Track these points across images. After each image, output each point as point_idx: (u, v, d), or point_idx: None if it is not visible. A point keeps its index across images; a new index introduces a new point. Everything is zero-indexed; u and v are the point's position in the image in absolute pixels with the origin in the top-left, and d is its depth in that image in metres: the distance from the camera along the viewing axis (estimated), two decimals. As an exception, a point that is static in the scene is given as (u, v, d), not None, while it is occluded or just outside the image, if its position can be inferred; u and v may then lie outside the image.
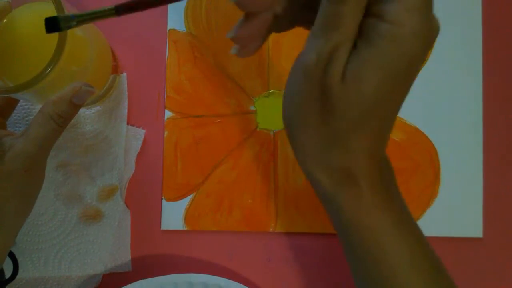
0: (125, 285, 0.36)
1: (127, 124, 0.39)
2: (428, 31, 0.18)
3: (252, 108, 0.39)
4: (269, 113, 0.39)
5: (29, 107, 0.38)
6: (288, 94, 0.22)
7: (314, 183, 0.23)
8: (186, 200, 0.39)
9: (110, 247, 0.38)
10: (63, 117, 0.29)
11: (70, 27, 0.22)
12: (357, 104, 0.19)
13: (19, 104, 0.38)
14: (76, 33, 0.29)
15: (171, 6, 0.40)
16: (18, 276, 0.37)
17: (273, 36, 0.39)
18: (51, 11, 0.27)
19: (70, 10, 0.28)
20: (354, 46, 0.19)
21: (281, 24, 0.22)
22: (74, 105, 0.29)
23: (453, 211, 0.38)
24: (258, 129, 0.39)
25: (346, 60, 0.19)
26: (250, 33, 0.21)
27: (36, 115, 0.29)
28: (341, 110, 0.19)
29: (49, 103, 0.29)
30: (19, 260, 0.37)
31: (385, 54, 0.18)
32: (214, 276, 0.36)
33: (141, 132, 0.39)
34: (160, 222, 0.39)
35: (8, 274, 0.35)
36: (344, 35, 0.18)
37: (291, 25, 0.22)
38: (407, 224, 0.24)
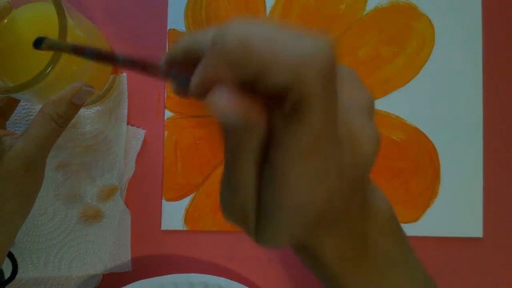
0: (125, 285, 0.36)
1: (127, 124, 0.39)
2: None
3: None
4: (269, 113, 0.39)
5: (29, 107, 0.38)
6: None
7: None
8: (186, 200, 0.39)
9: (110, 247, 0.38)
10: (63, 117, 0.29)
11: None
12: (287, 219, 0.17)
13: (19, 104, 0.38)
14: (76, 33, 0.29)
15: (171, 6, 0.40)
16: (18, 276, 0.37)
17: (273, 36, 0.39)
18: (51, 11, 0.27)
19: (70, 10, 0.28)
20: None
21: None
22: (74, 105, 0.29)
23: (453, 211, 0.38)
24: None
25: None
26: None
27: (36, 115, 0.29)
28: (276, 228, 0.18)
29: (49, 103, 0.29)
30: (19, 260, 0.37)
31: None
32: (214, 276, 0.36)
33: (141, 132, 0.39)
34: (160, 222, 0.39)
35: (7, 274, 0.35)
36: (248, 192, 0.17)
37: None
38: None
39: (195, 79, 0.15)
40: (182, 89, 0.16)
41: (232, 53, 0.13)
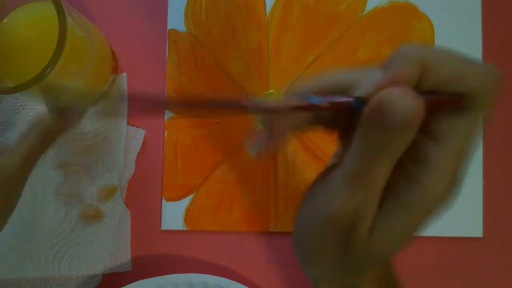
0: (125, 285, 0.36)
1: (127, 124, 0.39)
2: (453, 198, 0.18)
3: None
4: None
5: (29, 107, 0.38)
6: (305, 229, 0.21)
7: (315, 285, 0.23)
8: (186, 200, 0.39)
9: (110, 247, 0.38)
10: (49, 136, 0.28)
11: None
12: (379, 255, 0.19)
13: (19, 104, 0.38)
14: (76, 33, 0.29)
15: (171, 6, 0.40)
16: (17, 276, 0.37)
17: (273, 36, 0.39)
18: (51, 11, 0.27)
19: (70, 10, 0.28)
20: (383, 201, 0.18)
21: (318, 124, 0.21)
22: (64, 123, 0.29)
23: (453, 211, 0.38)
24: (258, 129, 0.39)
25: (374, 215, 0.18)
26: (274, 145, 0.20)
27: (25, 128, 0.28)
28: (362, 258, 0.19)
29: (39, 118, 0.28)
30: (19, 260, 0.37)
31: (412, 215, 0.18)
32: (214, 276, 0.36)
33: (141, 132, 0.39)
34: (160, 222, 0.39)
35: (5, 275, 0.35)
36: (373, 194, 0.18)
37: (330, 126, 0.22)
38: None
39: (369, 82, 0.16)
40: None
41: (434, 69, 0.17)
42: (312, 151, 0.39)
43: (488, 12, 0.39)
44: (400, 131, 0.16)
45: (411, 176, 0.17)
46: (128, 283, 0.36)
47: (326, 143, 0.39)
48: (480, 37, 0.39)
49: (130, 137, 0.39)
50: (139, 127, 0.39)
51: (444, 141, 0.17)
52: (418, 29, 0.39)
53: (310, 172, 0.38)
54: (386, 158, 0.17)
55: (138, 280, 0.36)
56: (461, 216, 0.38)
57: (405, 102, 0.15)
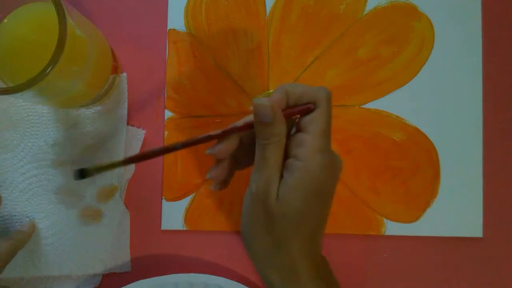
0: (125, 285, 0.36)
1: (127, 124, 0.39)
2: (331, 165, 0.27)
3: (252, 108, 0.39)
4: (269, 113, 0.39)
5: (29, 107, 0.38)
6: (243, 213, 0.29)
7: (266, 280, 0.29)
8: (186, 200, 0.39)
9: (110, 247, 0.38)
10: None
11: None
12: (289, 217, 0.27)
13: (19, 104, 0.38)
14: (76, 33, 0.29)
15: (171, 6, 0.40)
16: (18, 276, 0.37)
17: (273, 37, 0.39)
18: (51, 12, 0.27)
19: (70, 10, 0.28)
20: (282, 176, 0.27)
21: (240, 165, 0.31)
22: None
23: (453, 211, 0.38)
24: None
25: (277, 186, 0.27)
26: (221, 173, 0.30)
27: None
28: (279, 222, 0.27)
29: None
30: (19, 260, 0.37)
31: (301, 181, 0.26)
32: (214, 276, 0.36)
33: (141, 133, 0.39)
34: (160, 222, 0.39)
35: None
36: (272, 171, 0.27)
37: (246, 165, 0.31)
38: None
39: (268, 101, 0.27)
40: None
41: (291, 91, 0.28)
42: (312, 151, 0.39)
43: (488, 12, 0.39)
44: (268, 123, 0.27)
45: (296, 155, 0.27)
46: (128, 283, 0.36)
47: (326, 143, 0.39)
48: (480, 37, 0.39)
49: (130, 137, 0.39)
50: (139, 127, 0.39)
51: (308, 129, 0.27)
52: (418, 29, 0.39)
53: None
54: (271, 144, 0.27)
55: (138, 280, 0.36)
56: (461, 216, 0.38)
57: (264, 106, 0.27)
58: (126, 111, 0.39)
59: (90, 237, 0.38)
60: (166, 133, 0.39)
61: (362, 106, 0.39)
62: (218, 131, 0.28)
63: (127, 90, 0.39)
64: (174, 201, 0.39)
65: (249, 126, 0.28)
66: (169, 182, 0.39)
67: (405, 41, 0.39)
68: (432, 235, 0.38)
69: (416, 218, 0.38)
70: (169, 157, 0.39)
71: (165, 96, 0.40)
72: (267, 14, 0.40)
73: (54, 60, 0.27)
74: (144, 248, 0.39)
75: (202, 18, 0.40)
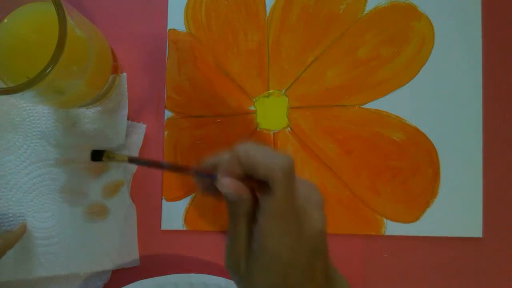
0: (134, 281, 0.36)
1: (128, 119, 0.39)
2: (293, 242, 0.24)
3: (252, 108, 0.39)
4: (269, 113, 0.39)
5: (30, 108, 0.38)
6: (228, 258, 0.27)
7: None
8: (186, 200, 0.39)
9: (117, 244, 0.38)
10: None
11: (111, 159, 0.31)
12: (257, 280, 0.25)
13: (20, 106, 0.38)
14: (76, 33, 0.29)
15: (171, 6, 0.40)
16: (26, 278, 0.37)
17: (273, 37, 0.39)
18: (51, 11, 0.27)
19: (70, 10, 0.28)
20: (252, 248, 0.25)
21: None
22: None
23: (453, 211, 0.38)
24: (258, 129, 0.39)
25: (246, 259, 0.25)
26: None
27: None
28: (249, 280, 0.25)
29: None
30: (27, 260, 0.37)
31: (264, 264, 0.24)
32: (214, 276, 0.36)
33: (142, 127, 0.39)
34: (160, 222, 0.39)
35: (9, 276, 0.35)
36: (239, 242, 0.25)
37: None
38: None
39: (221, 174, 0.25)
40: (205, 184, 0.28)
41: (241, 160, 0.24)
42: (312, 151, 0.39)
43: (488, 12, 0.39)
44: (229, 203, 0.25)
45: (255, 236, 0.25)
46: (137, 279, 0.36)
47: (326, 143, 0.39)
48: (480, 37, 0.39)
49: (131, 132, 0.39)
50: (140, 122, 0.39)
51: (262, 209, 0.24)
52: (418, 29, 0.39)
53: (310, 172, 0.38)
54: (236, 221, 0.25)
55: (138, 279, 0.36)
56: (461, 216, 0.38)
57: (222, 184, 0.24)
58: (126, 111, 0.39)
59: (97, 234, 0.38)
60: (166, 133, 0.39)
61: (362, 106, 0.39)
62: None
63: (127, 90, 0.39)
64: (174, 201, 0.39)
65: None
66: (169, 182, 0.39)
67: (405, 41, 0.39)
68: (432, 235, 0.38)
69: (416, 218, 0.38)
70: (169, 157, 0.39)
71: (165, 96, 0.40)
72: (267, 14, 0.40)
73: (54, 60, 0.27)
74: (144, 248, 0.39)
75: (202, 18, 0.40)
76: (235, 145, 0.25)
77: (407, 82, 0.39)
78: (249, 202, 0.25)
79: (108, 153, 0.31)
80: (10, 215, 0.38)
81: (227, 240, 0.26)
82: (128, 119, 0.39)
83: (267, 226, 0.24)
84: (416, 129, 0.38)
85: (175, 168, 0.30)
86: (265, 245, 0.24)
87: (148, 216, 0.39)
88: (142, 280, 0.36)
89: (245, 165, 0.24)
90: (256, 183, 0.24)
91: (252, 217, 0.25)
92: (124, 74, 0.39)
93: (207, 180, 0.27)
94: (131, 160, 0.30)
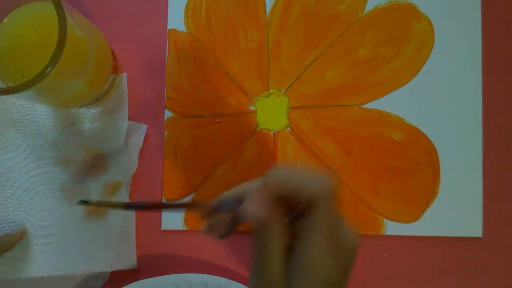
0: (133, 281, 0.36)
1: (128, 119, 0.39)
2: (338, 266, 0.23)
3: (252, 108, 0.39)
4: (269, 113, 0.39)
5: (29, 107, 0.38)
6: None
7: None
8: (186, 200, 0.39)
9: (116, 245, 0.38)
10: None
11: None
12: None
13: (19, 104, 0.38)
14: (76, 33, 0.29)
15: (171, 6, 0.40)
16: (25, 276, 0.37)
17: (273, 37, 0.39)
18: (51, 12, 0.27)
19: (70, 10, 0.28)
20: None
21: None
22: None
23: (453, 211, 0.38)
24: (258, 129, 0.39)
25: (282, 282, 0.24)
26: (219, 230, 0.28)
27: None
28: None
29: None
30: (25, 260, 0.37)
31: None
32: (214, 276, 0.36)
33: (143, 127, 0.39)
34: (160, 222, 0.39)
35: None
36: (271, 272, 0.23)
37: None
38: None
39: (251, 200, 0.24)
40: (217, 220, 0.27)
41: (276, 186, 0.23)
42: (312, 151, 0.39)
43: (488, 12, 0.39)
44: (258, 230, 0.23)
45: (296, 263, 0.23)
46: (136, 280, 0.36)
47: (326, 143, 0.39)
48: (480, 37, 0.39)
49: (132, 132, 0.39)
50: (141, 123, 0.39)
51: (304, 237, 0.23)
52: (418, 29, 0.39)
53: (310, 172, 0.38)
54: (266, 248, 0.23)
55: (138, 280, 0.36)
56: (461, 216, 0.38)
57: (252, 211, 0.23)
58: (126, 111, 0.39)
59: (95, 234, 0.38)
60: (166, 133, 0.39)
61: (362, 106, 0.39)
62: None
63: (127, 90, 0.39)
64: (174, 201, 0.39)
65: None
66: (169, 182, 0.39)
67: (405, 41, 0.39)
68: (432, 235, 0.38)
69: (416, 218, 0.38)
70: (169, 157, 0.39)
71: (165, 96, 0.40)
72: (267, 14, 0.40)
73: (54, 60, 0.27)
74: (144, 248, 0.39)
75: (202, 18, 0.40)
76: (266, 174, 0.24)
77: (407, 82, 0.39)
78: (282, 226, 0.23)
79: (96, 201, 0.32)
80: (10, 212, 0.38)
81: (254, 267, 0.24)
82: (128, 119, 0.39)
83: (316, 246, 0.23)
84: (416, 129, 0.38)
85: (179, 206, 0.29)
86: (313, 264, 0.23)
87: (148, 216, 0.39)
88: (142, 280, 0.36)
89: (283, 191, 0.23)
90: (283, 207, 0.24)
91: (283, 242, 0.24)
92: (124, 74, 0.39)
93: (220, 215, 0.27)
94: (127, 205, 0.28)
